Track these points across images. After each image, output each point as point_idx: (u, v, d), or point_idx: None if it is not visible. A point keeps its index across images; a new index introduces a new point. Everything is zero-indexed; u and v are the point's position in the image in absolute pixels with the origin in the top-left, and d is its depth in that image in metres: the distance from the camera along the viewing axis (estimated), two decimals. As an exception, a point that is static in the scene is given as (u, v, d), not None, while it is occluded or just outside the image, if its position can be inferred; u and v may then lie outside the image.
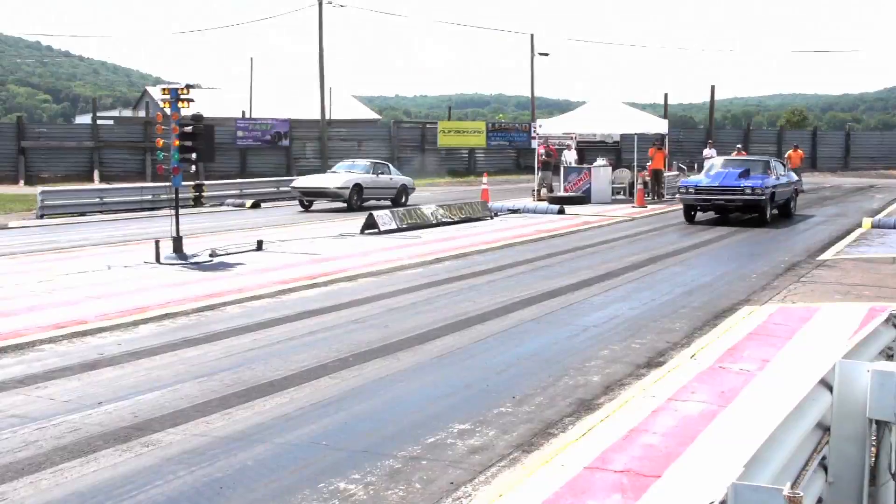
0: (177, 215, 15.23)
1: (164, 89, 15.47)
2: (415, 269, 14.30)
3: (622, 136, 37.12)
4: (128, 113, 71.97)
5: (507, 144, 50.22)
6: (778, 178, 22.14)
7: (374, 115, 73.78)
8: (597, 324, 10.12)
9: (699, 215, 22.39)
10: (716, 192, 21.32)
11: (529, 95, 58.11)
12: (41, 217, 24.36)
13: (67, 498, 5.04)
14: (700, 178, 22.48)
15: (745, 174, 21.49)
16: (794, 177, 24.78)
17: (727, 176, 21.49)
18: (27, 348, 8.69)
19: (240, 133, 43.96)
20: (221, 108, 51.82)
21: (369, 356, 8.39)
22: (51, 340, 9.01)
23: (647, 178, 29.28)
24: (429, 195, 34.46)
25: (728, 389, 7.19)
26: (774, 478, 3.40)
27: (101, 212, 25.94)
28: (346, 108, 65.91)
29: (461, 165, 50.17)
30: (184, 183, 15.84)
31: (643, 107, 36.52)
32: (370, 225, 19.42)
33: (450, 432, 6.24)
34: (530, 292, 11.99)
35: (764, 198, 20.82)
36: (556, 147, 31.51)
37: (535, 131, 35.93)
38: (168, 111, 15.18)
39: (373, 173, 27.55)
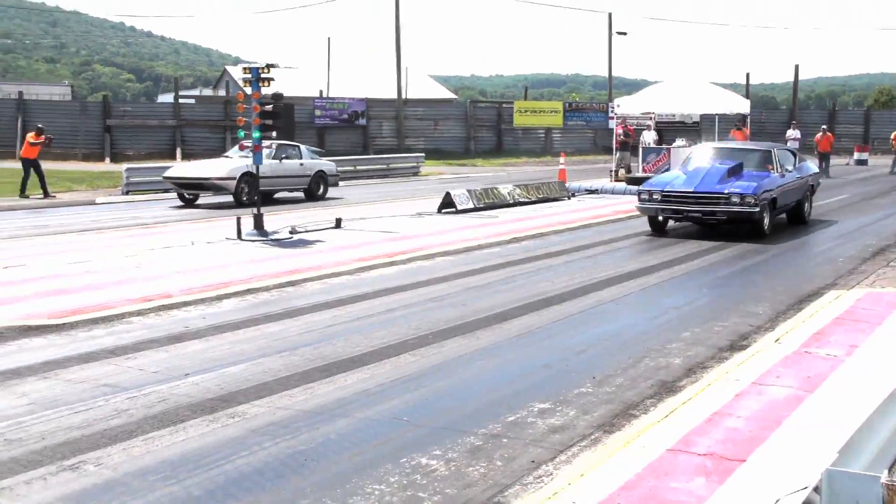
0: (258, 192, 15.45)
1: (245, 68, 15.69)
2: (492, 248, 14.30)
3: (702, 116, 36.47)
4: (208, 92, 73.24)
5: (584, 124, 49.82)
6: (783, 176, 16.44)
7: (450, 95, 73.81)
8: (677, 305, 10.00)
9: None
10: (688, 200, 15.45)
11: (606, 75, 57.48)
12: (126, 193, 24.98)
13: (158, 465, 5.18)
14: (671, 178, 16.66)
15: (736, 172, 15.86)
16: (811, 168, 19.30)
17: (707, 176, 15.62)
18: (116, 320, 8.93)
19: (317, 112, 44.41)
20: (299, 88, 52.37)
21: (448, 334, 8.43)
22: (139, 313, 9.25)
23: (728, 160, 28.67)
24: (504, 175, 34.45)
25: (814, 375, 7.04)
26: (869, 465, 3.34)
27: (183, 189, 26.44)
28: (422, 87, 66.06)
29: (537, 145, 49.95)
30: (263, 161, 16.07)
31: (724, 87, 35.73)
32: (447, 204, 19.49)
33: (530, 411, 6.24)
34: (609, 273, 11.89)
35: (757, 210, 15.00)
36: (635, 127, 31.12)
37: (612, 111, 35.50)
38: (249, 90, 15.40)
39: (276, 158, 22.14)
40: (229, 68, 72.50)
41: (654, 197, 15.81)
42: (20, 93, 44.55)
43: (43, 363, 7.33)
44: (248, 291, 10.48)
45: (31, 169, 23.62)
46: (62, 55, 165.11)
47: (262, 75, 15.28)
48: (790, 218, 17.73)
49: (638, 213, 16.99)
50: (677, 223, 16.64)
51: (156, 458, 5.31)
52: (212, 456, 5.34)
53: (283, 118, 15.65)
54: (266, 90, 15.40)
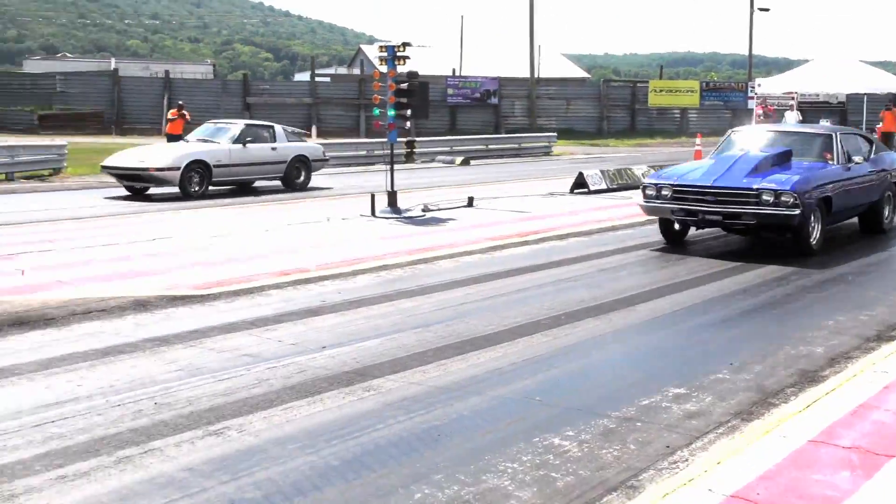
0: (391, 170, 15.66)
1: (381, 47, 15.88)
2: (626, 230, 14.11)
3: (849, 95, 35.03)
4: (343, 70, 74.56)
5: (722, 104, 48.48)
6: (848, 169, 12.44)
7: (582, 74, 72.99)
8: (820, 292, 9.64)
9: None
10: (705, 198, 11.57)
11: (746, 53, 55.76)
12: (265, 170, 25.68)
13: (297, 434, 5.33)
14: (690, 168, 12.89)
15: (780, 161, 12.00)
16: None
17: (735, 166, 11.76)
18: (257, 293, 9.22)
19: (450, 91, 44.68)
20: (432, 66, 52.72)
21: (581, 315, 8.36)
22: (277, 286, 9.52)
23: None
24: (638, 156, 33.88)
25: (970, 369, 6.68)
26: None
27: (318, 166, 27.07)
28: (554, 66, 65.53)
29: (672, 125, 48.96)
30: (397, 139, 16.27)
31: (874, 65, 34.11)
32: (579, 184, 19.32)
33: (665, 395, 6.14)
34: (746, 257, 11.56)
35: (796, 213, 11.04)
36: (776, 107, 30.14)
37: (752, 91, 34.46)
38: (384, 69, 15.59)
39: (238, 142, 19.17)
40: (364, 47, 73.63)
41: (663, 193, 11.93)
42: (166, 72, 46.48)
43: (189, 332, 7.64)
44: (382, 268, 10.64)
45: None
46: (205, 35, 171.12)
47: (398, 53, 15.44)
48: (862, 226, 13.83)
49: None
50: (700, 230, 12.95)
51: (295, 427, 5.46)
52: (348, 427, 5.46)
53: (418, 96, 15.76)
54: (401, 68, 15.56)
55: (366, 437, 5.32)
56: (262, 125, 20.86)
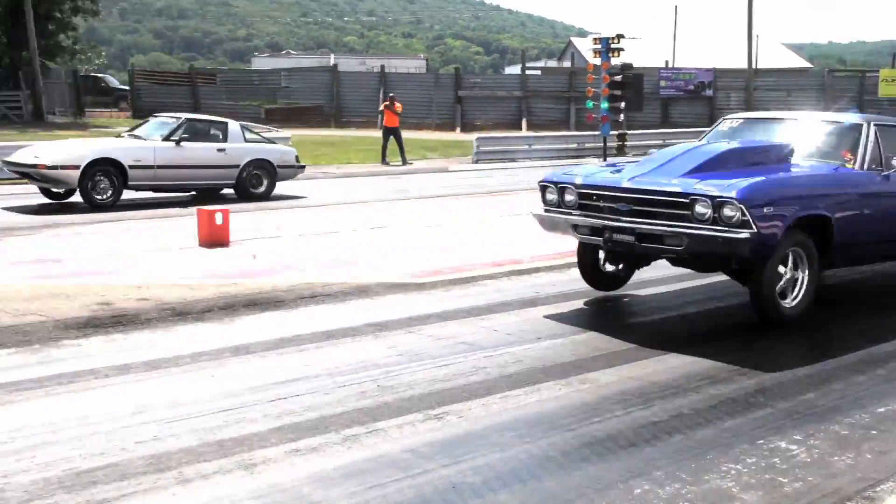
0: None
1: (595, 39, 15.82)
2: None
3: None
4: (553, 63, 74.43)
5: (963, 94, 44.90)
6: (888, 177, 8.09)
7: (804, 64, 69.56)
8: None
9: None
10: (615, 206, 7.67)
11: None
12: (476, 162, 26.11)
13: (515, 423, 5.37)
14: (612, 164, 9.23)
15: (761, 158, 7.94)
16: None
17: (671, 163, 7.72)
18: (471, 282, 9.37)
19: (662, 83, 43.83)
20: (643, 58, 51.76)
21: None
22: (491, 276, 9.64)
23: None
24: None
25: None
26: None
27: (528, 158, 27.22)
28: (774, 56, 62.86)
29: (904, 118, 45.78)
30: (609, 132, 16.11)
31: None
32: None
33: (903, 404, 5.76)
34: None
35: (744, 237, 6.81)
36: None
37: None
38: (597, 61, 15.48)
39: (170, 140, 15.65)
40: (574, 39, 73.21)
41: (567, 198, 8.18)
42: (382, 66, 47.97)
43: (407, 318, 7.85)
44: (595, 261, 10.54)
45: (391, 137, 25.40)
46: (418, 30, 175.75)
47: (612, 46, 15.33)
48: None
49: None
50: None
51: (512, 415, 5.50)
52: (565, 419, 5.45)
53: (632, 88, 15.56)
54: (615, 61, 15.42)
55: (583, 429, 5.29)
56: (210, 121, 17.10)
